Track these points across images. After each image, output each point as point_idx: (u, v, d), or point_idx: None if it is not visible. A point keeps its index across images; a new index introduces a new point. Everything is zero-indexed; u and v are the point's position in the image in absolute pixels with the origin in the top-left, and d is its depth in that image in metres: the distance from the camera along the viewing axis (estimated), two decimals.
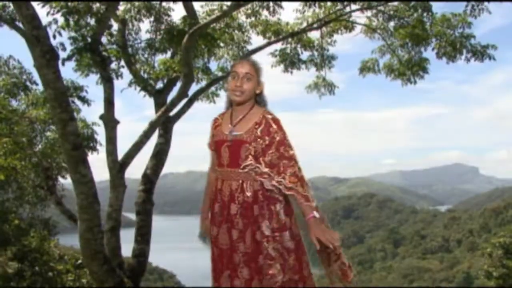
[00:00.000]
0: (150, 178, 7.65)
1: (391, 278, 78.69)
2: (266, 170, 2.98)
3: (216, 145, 3.13)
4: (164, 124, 8.13)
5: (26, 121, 9.34)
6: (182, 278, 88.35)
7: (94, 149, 9.67)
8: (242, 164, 3.01)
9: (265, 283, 2.98)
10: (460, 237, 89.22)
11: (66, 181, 9.97)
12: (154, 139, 8.11)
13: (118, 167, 6.46)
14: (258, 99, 3.14)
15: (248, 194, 3.00)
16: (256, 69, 3.09)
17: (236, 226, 3.01)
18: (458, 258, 79.24)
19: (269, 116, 3.04)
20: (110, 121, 6.38)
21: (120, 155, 6.90)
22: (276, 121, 3.04)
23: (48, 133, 9.61)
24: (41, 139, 9.64)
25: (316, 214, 2.98)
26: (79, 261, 11.25)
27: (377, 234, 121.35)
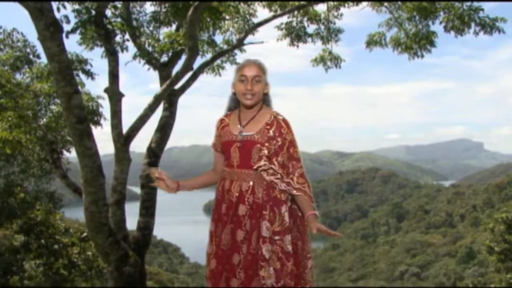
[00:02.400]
0: (154, 151, 7.65)
1: (394, 252, 79.23)
2: (280, 170, 3.02)
3: (224, 145, 3.14)
4: (169, 98, 8.10)
5: (31, 94, 9.32)
6: (186, 251, 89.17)
7: (98, 123, 9.66)
8: (255, 165, 3.02)
9: (254, 283, 2.99)
10: (464, 212, 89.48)
11: (71, 155, 10.00)
12: (159, 112, 8.09)
13: (122, 141, 6.44)
14: (264, 98, 3.18)
15: (259, 195, 3.02)
16: (263, 70, 3.11)
17: (244, 227, 3.01)
18: (461, 233, 79.59)
19: (280, 117, 3.10)
20: (114, 94, 6.34)
21: (125, 128, 6.89)
22: (286, 122, 3.11)
23: (52, 107, 9.59)
24: (46, 112, 9.63)
25: (316, 213, 3.08)
26: (84, 234, 11.36)
27: (381, 209, 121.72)
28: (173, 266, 70.97)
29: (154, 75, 8.60)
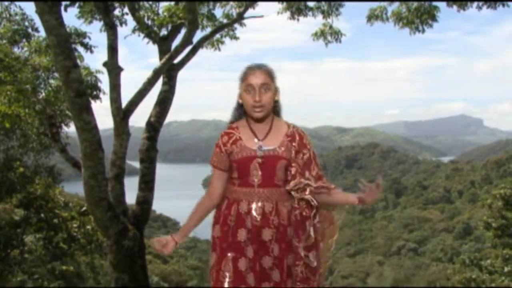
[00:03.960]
0: (154, 125, 7.63)
1: (392, 227, 79.82)
2: (315, 184, 2.77)
3: (241, 162, 2.74)
4: (168, 72, 8.05)
5: (29, 68, 9.26)
6: None
7: (97, 97, 9.62)
8: (283, 183, 2.74)
9: None
10: (462, 188, 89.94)
11: (70, 129, 9.98)
12: (158, 87, 8.06)
13: (121, 115, 6.43)
14: (275, 106, 2.83)
15: (284, 215, 2.74)
16: (271, 76, 2.77)
17: (271, 253, 2.71)
18: (458, 209, 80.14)
19: (298, 128, 2.85)
20: (113, 68, 6.31)
21: (124, 103, 6.86)
22: (305, 133, 2.85)
23: (51, 81, 9.54)
24: (45, 86, 9.58)
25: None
26: (84, 208, 11.40)
27: None
28: None
29: (154, 49, 8.56)
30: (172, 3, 8.79)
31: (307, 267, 2.80)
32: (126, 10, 8.31)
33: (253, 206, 2.72)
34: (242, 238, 2.71)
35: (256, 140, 2.75)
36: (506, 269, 11.81)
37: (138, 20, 8.31)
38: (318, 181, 2.79)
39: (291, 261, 2.74)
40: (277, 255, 2.71)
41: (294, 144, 2.77)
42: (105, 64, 6.55)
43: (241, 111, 2.85)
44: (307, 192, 2.75)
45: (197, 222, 2.88)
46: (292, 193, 2.74)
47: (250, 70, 2.75)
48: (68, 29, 6.58)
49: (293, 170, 2.74)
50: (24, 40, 9.89)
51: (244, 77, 2.75)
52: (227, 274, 2.70)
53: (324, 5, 10.16)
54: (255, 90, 2.69)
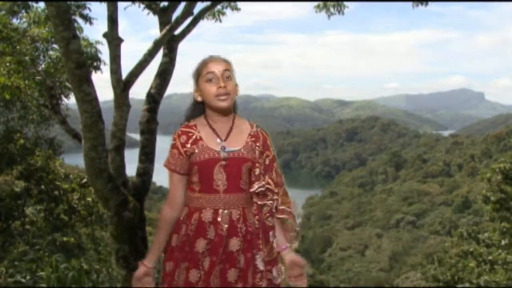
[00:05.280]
0: (154, 97, 7.60)
1: (391, 200, 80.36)
2: (276, 190, 2.56)
3: (203, 165, 2.47)
4: (168, 43, 8.00)
5: (28, 39, 9.20)
6: None
7: (97, 68, 9.58)
8: (247, 187, 2.51)
9: None
10: (461, 162, 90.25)
11: (70, 101, 9.96)
12: (158, 59, 8.02)
13: (122, 86, 6.40)
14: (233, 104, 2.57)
15: (251, 222, 2.50)
16: (232, 66, 2.53)
17: (237, 265, 2.45)
18: (458, 183, 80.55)
19: (262, 128, 2.63)
20: (113, 39, 6.26)
21: (124, 75, 6.84)
22: (268, 134, 2.63)
23: (50, 52, 9.49)
24: (44, 58, 9.53)
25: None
26: (84, 180, 11.44)
27: (379, 157, 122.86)
28: None
29: (154, 20, 8.47)
30: None
31: (270, 283, 2.53)
32: None
33: (220, 213, 2.46)
34: (200, 249, 2.45)
35: (218, 140, 2.50)
36: (503, 242, 11.91)
37: None
38: (277, 187, 2.56)
39: (251, 274, 2.49)
40: (243, 267, 2.46)
41: (258, 144, 2.55)
42: (105, 35, 6.50)
43: (199, 109, 2.60)
44: (268, 198, 2.54)
45: (166, 236, 2.55)
46: (254, 198, 2.52)
47: (209, 58, 2.54)
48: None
49: (257, 171, 2.52)
50: (23, 11, 9.80)
51: (203, 67, 2.51)
52: (179, 284, 2.47)
53: None
54: (218, 77, 2.46)
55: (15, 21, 9.74)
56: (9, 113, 10.99)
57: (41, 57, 9.51)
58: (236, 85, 2.53)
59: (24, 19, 9.71)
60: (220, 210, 2.46)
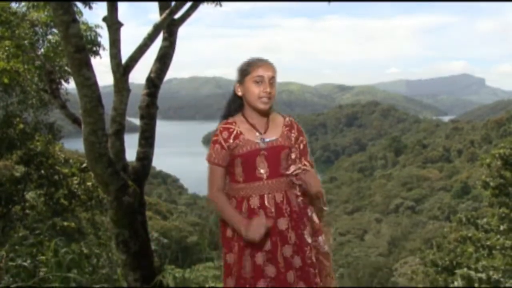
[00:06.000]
0: (154, 81, 7.58)
1: (390, 185, 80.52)
2: (312, 169, 2.82)
3: (246, 157, 2.73)
4: (168, 27, 7.96)
5: (28, 23, 9.16)
6: (185, 182, 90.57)
7: (97, 53, 9.55)
8: (286, 171, 2.76)
9: None
10: (461, 147, 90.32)
11: (69, 86, 9.93)
12: (158, 43, 7.99)
13: (121, 70, 6.38)
14: None
15: (294, 202, 2.78)
16: (276, 72, 2.79)
17: (290, 241, 2.73)
18: (457, 168, 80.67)
19: (293, 118, 2.91)
20: (113, 23, 6.22)
21: (124, 60, 6.81)
22: (298, 122, 2.92)
23: (50, 36, 9.45)
24: (43, 42, 9.49)
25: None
26: (84, 165, 11.44)
27: (379, 142, 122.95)
28: (172, 197, 72.29)
29: (154, 4, 8.43)
30: None
31: (318, 252, 2.86)
32: None
33: (266, 198, 2.73)
34: None
35: (257, 134, 2.76)
36: (502, 228, 11.93)
37: None
38: (312, 166, 2.84)
39: (308, 248, 2.79)
40: (295, 242, 2.73)
41: (293, 131, 2.83)
42: (104, 19, 6.46)
43: (238, 104, 2.85)
44: (299, 180, 2.77)
45: (233, 207, 2.77)
46: (292, 179, 2.76)
47: (260, 62, 2.76)
48: None
49: (293, 155, 2.79)
50: None
51: (254, 69, 2.73)
52: (248, 270, 2.72)
53: None
54: (265, 82, 2.71)
55: (14, 5, 9.68)
56: (8, 97, 10.97)
57: (41, 41, 9.47)
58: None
59: (23, 3, 9.66)
60: (265, 195, 2.73)
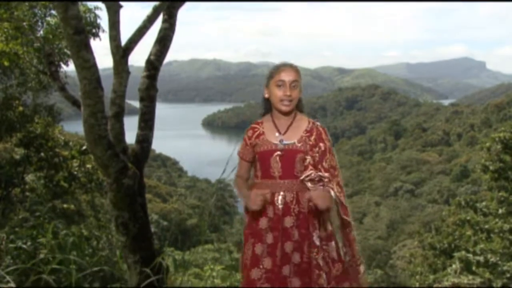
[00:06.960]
0: (153, 63, 7.55)
1: (390, 168, 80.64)
2: (327, 175, 2.95)
3: (262, 155, 3.01)
4: (168, 9, 7.92)
5: (26, 5, 9.10)
6: (184, 165, 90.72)
7: (96, 35, 9.50)
8: (299, 174, 2.94)
9: None
10: (461, 131, 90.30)
11: (68, 69, 9.89)
12: (158, 25, 7.95)
13: (121, 52, 6.35)
14: (298, 104, 3.08)
15: (305, 205, 2.94)
16: (300, 75, 3.01)
17: (292, 238, 2.93)
18: (457, 152, 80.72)
19: (318, 124, 3.05)
20: (113, 5, 6.19)
21: (124, 42, 6.78)
22: (325, 129, 3.05)
23: (49, 18, 9.39)
24: (42, 24, 9.44)
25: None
26: (84, 147, 11.44)
27: (379, 126, 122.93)
28: (171, 180, 72.39)
29: None
30: None
31: (329, 256, 2.98)
32: None
33: (276, 196, 2.95)
34: (263, 226, 2.98)
35: (277, 134, 3.00)
36: (500, 211, 11.96)
37: None
38: (327, 171, 2.96)
39: (307, 247, 2.94)
40: (297, 239, 2.92)
41: (311, 138, 2.98)
42: (104, 0, 6.43)
43: (268, 104, 3.09)
44: (320, 184, 2.92)
45: (248, 188, 3.08)
46: (306, 183, 2.92)
47: (283, 67, 3.00)
48: None
49: (306, 161, 2.95)
50: None
51: (276, 73, 2.98)
52: (248, 257, 3.00)
53: None
54: (286, 85, 2.94)
55: None
56: (7, 80, 10.94)
57: (40, 23, 9.42)
58: (301, 89, 3.03)
59: None
60: (277, 193, 2.96)
